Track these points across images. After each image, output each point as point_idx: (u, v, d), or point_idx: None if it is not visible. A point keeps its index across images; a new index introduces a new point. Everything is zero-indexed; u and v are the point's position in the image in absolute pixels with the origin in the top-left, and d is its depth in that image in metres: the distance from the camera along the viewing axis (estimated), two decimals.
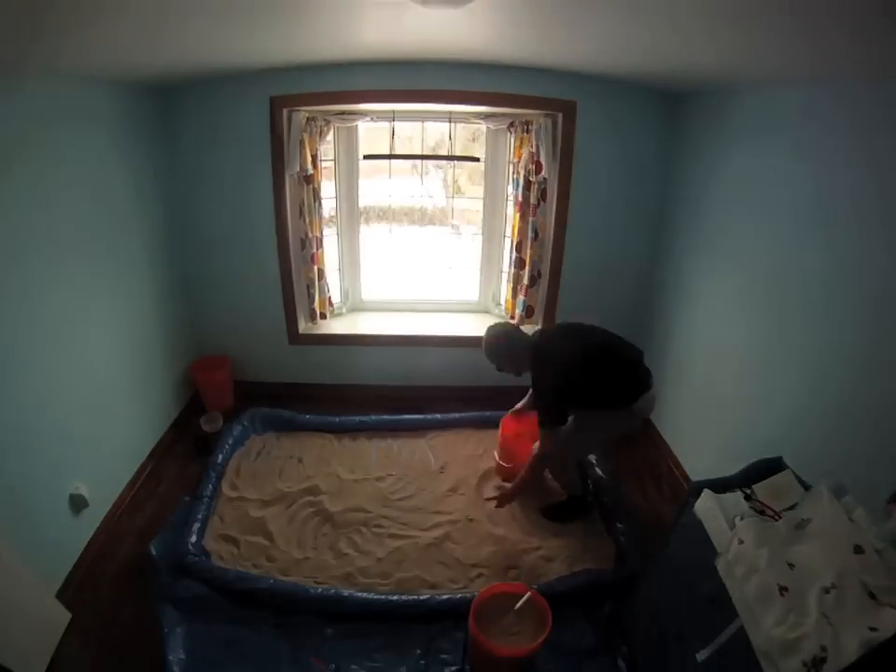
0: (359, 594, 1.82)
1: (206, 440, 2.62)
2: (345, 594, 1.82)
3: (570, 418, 1.96)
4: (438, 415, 2.85)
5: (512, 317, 3.14)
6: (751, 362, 2.02)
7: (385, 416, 2.84)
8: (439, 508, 2.28)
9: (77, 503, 1.93)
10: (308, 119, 2.59)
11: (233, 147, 2.61)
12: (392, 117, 2.69)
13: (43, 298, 1.79)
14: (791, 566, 1.12)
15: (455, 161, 3.00)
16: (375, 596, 1.81)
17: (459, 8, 1.34)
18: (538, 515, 2.22)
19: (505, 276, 3.18)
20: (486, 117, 2.73)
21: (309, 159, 2.63)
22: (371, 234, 3.29)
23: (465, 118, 2.79)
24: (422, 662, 1.67)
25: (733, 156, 2.16)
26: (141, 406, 2.48)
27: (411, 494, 2.37)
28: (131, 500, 2.30)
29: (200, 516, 2.12)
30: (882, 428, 1.41)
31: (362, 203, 3.10)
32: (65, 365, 1.91)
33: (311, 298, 2.99)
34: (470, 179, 3.38)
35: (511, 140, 2.85)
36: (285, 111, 2.53)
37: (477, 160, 2.97)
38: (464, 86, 2.47)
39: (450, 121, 2.77)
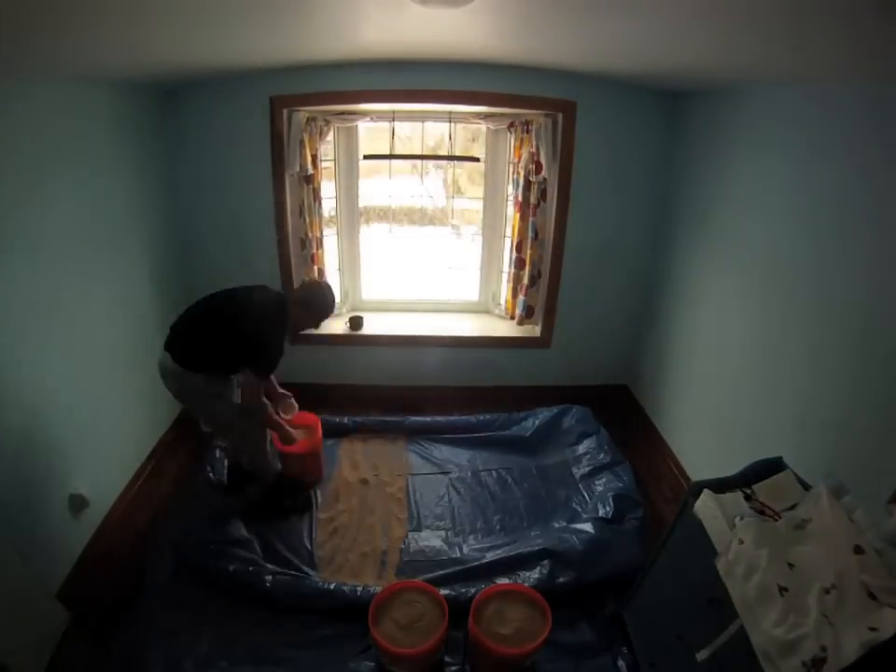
0: (358, 588, 1.82)
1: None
2: (346, 588, 1.82)
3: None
4: (439, 417, 2.84)
5: (512, 317, 3.15)
6: (752, 362, 2.02)
7: (388, 418, 2.84)
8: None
9: (77, 503, 1.93)
10: (308, 119, 2.59)
11: (233, 146, 2.61)
12: (392, 117, 2.69)
13: (42, 298, 1.79)
14: (791, 566, 1.13)
15: (455, 161, 3.00)
16: (374, 591, 1.79)
17: (459, 8, 1.34)
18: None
19: (505, 276, 3.18)
20: (486, 117, 2.73)
21: (309, 159, 2.63)
22: (371, 234, 3.29)
23: (465, 118, 2.79)
24: None
25: (733, 155, 2.16)
26: (141, 406, 2.47)
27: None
28: (131, 500, 2.30)
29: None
30: (882, 428, 1.41)
31: (362, 203, 3.10)
32: (65, 365, 1.91)
33: None
34: (470, 179, 3.38)
35: (511, 140, 2.85)
36: (285, 111, 2.53)
37: (477, 160, 2.97)
38: (464, 86, 2.47)
39: (450, 121, 2.77)
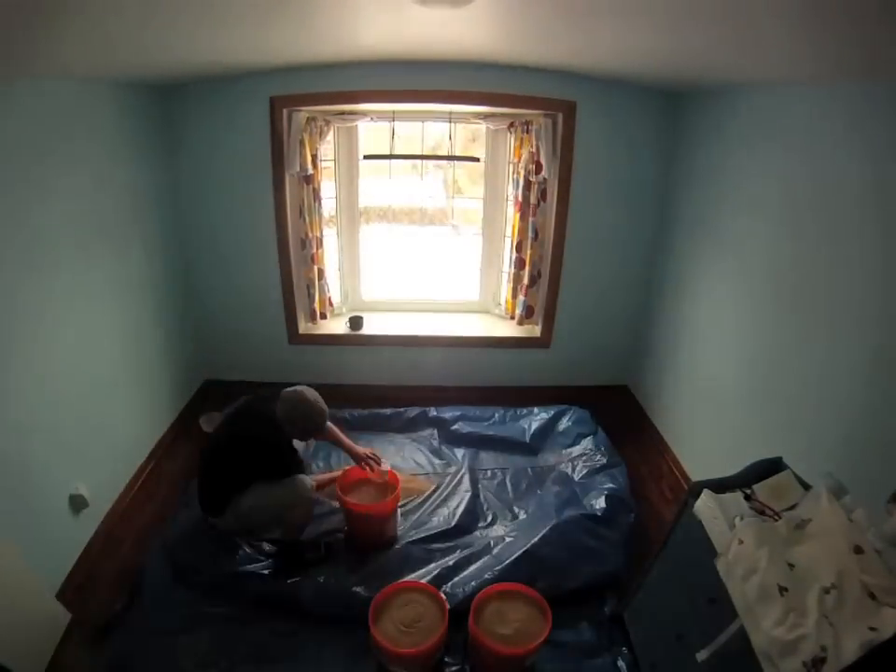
0: (358, 588, 1.81)
1: None
2: (345, 588, 1.81)
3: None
4: (433, 410, 2.86)
5: (512, 317, 3.15)
6: (752, 362, 2.02)
7: (385, 410, 2.85)
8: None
9: (77, 503, 1.93)
10: (308, 119, 2.59)
11: (233, 147, 2.61)
12: (392, 117, 2.69)
13: (42, 298, 1.79)
14: (791, 566, 1.12)
15: (455, 161, 3.00)
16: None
17: (459, 8, 1.34)
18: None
19: (505, 276, 3.18)
20: (486, 117, 2.73)
21: (309, 159, 2.63)
22: (371, 234, 3.29)
23: (465, 118, 2.79)
24: None
25: (733, 155, 2.16)
26: (141, 406, 2.48)
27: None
28: (131, 500, 2.30)
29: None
30: (882, 428, 1.41)
31: (362, 202, 3.10)
32: (65, 365, 1.91)
33: (311, 298, 2.99)
34: (470, 179, 3.38)
35: (511, 140, 2.85)
36: (285, 111, 2.53)
37: (477, 160, 2.97)
38: (464, 86, 2.47)
39: (450, 121, 2.77)
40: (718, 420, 2.26)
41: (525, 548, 1.93)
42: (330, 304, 3.15)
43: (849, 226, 1.55)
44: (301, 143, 2.57)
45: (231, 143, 2.60)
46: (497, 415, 2.83)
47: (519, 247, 2.95)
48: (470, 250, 3.31)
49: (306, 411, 1.89)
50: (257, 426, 1.89)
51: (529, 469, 2.51)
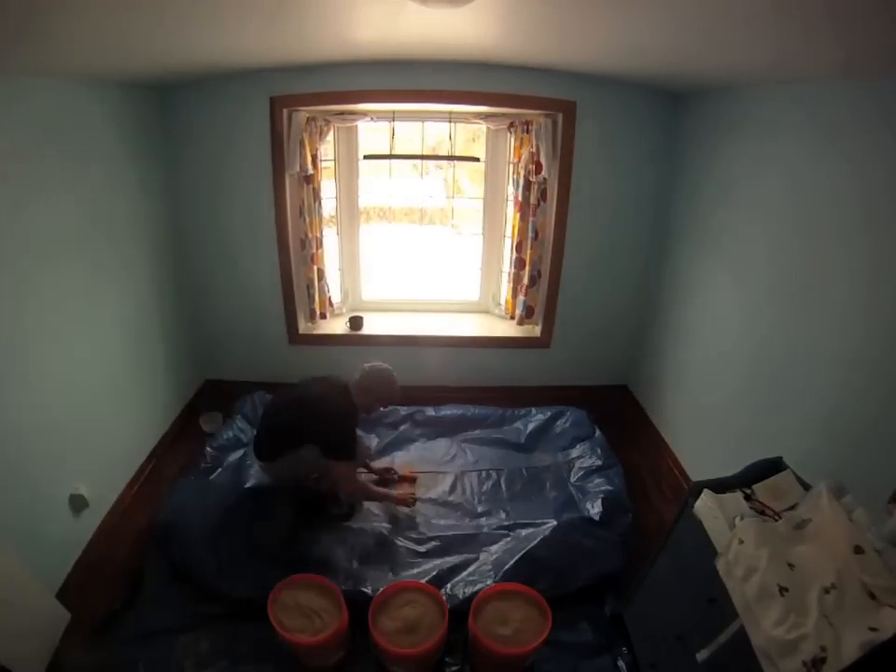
0: (362, 587, 1.81)
1: None
2: (344, 588, 1.80)
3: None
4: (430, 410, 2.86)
5: (512, 317, 3.15)
6: (751, 362, 2.02)
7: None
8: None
9: (78, 503, 1.93)
10: (308, 118, 2.59)
11: (233, 146, 2.61)
12: (392, 117, 2.69)
13: (43, 298, 1.79)
14: (790, 566, 1.13)
15: (455, 161, 3.00)
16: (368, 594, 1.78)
17: (460, 8, 1.34)
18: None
19: (505, 276, 3.18)
20: (486, 117, 2.73)
21: (309, 159, 2.63)
22: (370, 234, 3.29)
23: (465, 118, 2.79)
24: None
25: (734, 156, 2.16)
26: (142, 405, 2.48)
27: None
28: (131, 500, 2.30)
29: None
30: (882, 429, 1.41)
31: (362, 202, 3.10)
32: (65, 364, 1.91)
33: (311, 298, 2.99)
34: (470, 179, 3.38)
35: (511, 140, 2.85)
36: (285, 111, 2.53)
37: (477, 160, 2.97)
38: (464, 86, 2.47)
39: (450, 121, 2.77)
40: (717, 420, 2.26)
41: (524, 549, 1.93)
42: (330, 304, 3.15)
43: (852, 226, 1.54)
44: (301, 143, 2.57)
45: (232, 143, 2.60)
46: (495, 416, 2.82)
47: (519, 247, 2.95)
48: (470, 250, 3.31)
49: (388, 377, 2.12)
50: (330, 390, 2.08)
51: (524, 471, 2.49)
